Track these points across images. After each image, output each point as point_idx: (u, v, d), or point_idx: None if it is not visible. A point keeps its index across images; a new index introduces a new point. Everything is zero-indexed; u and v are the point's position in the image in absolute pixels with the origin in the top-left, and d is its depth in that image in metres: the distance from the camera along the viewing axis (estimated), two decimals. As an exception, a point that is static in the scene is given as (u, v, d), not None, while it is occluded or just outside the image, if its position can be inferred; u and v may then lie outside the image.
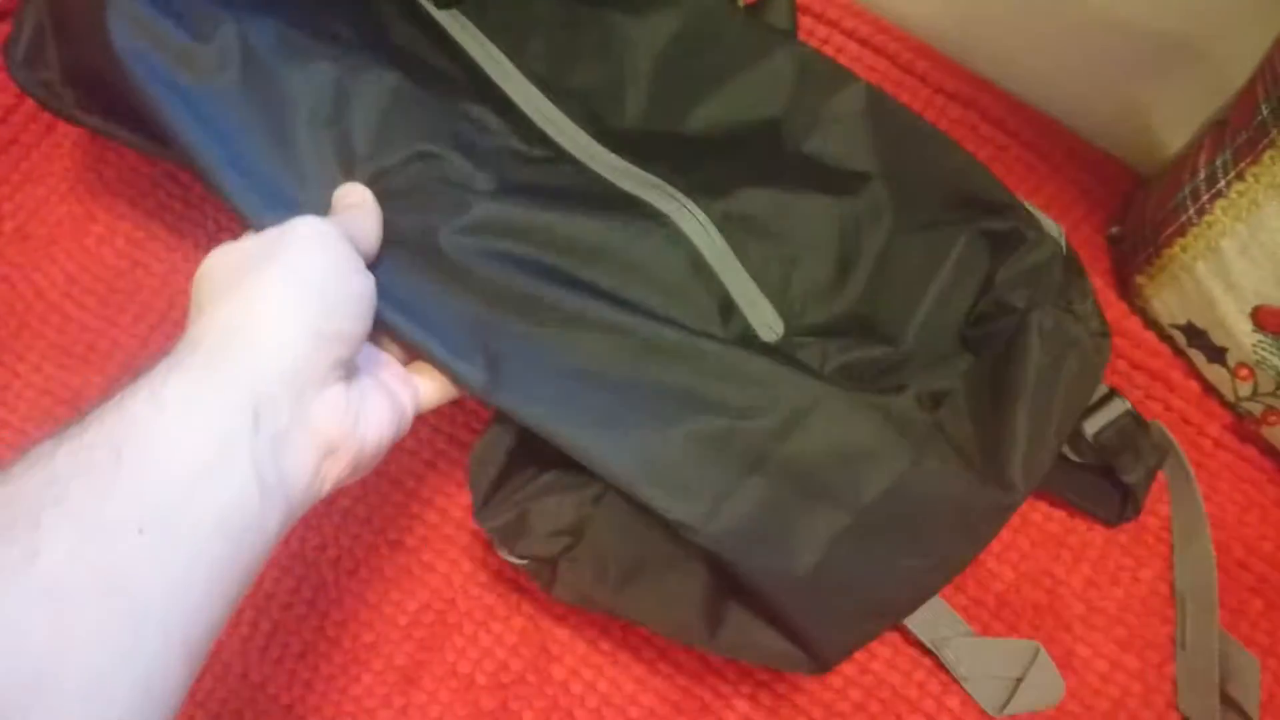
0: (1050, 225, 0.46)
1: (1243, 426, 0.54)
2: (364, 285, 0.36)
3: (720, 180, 0.47)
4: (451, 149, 0.45)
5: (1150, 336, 0.56)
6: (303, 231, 0.35)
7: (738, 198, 0.47)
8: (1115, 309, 0.56)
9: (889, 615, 0.42)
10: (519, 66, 0.49)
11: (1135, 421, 0.49)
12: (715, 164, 0.48)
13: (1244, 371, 0.51)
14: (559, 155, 0.48)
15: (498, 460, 0.41)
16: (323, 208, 0.41)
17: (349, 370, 0.35)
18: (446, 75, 0.48)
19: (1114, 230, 0.58)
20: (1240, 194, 0.48)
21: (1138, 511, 0.50)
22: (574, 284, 0.42)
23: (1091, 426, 0.48)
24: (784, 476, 0.39)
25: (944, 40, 0.62)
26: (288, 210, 0.37)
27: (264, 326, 0.32)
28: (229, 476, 0.29)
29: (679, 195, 0.46)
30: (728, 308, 0.45)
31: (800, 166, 0.47)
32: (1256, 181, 0.47)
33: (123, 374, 0.54)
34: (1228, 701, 0.47)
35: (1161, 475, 0.52)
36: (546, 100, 0.48)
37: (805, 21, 0.62)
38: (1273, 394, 0.50)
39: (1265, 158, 0.46)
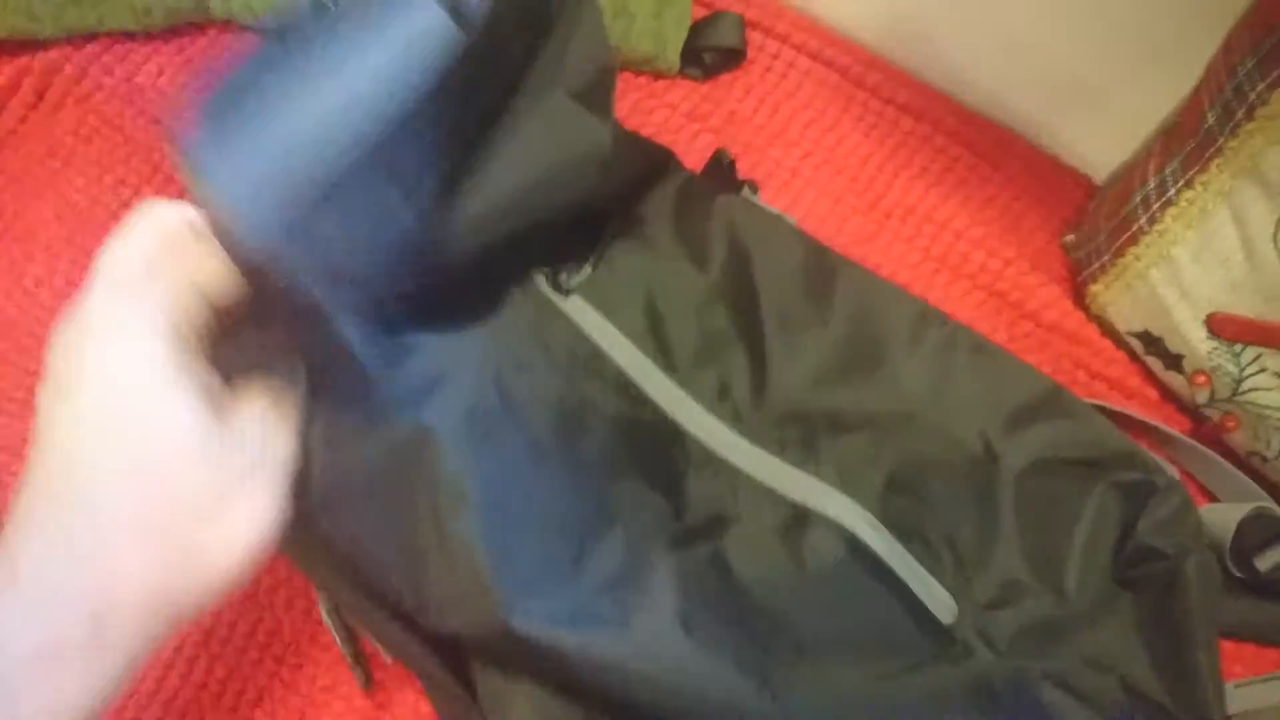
0: (1166, 465, 0.48)
1: (1201, 432, 0.54)
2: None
3: (862, 458, 0.46)
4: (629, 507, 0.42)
5: (1108, 344, 0.56)
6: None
7: (884, 473, 0.46)
8: (1072, 317, 0.56)
9: None
10: (658, 364, 0.46)
11: None
12: (850, 439, 0.46)
13: (1200, 378, 0.51)
14: (720, 466, 0.45)
15: None
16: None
17: None
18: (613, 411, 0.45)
19: (1069, 238, 0.58)
20: (1190, 202, 0.48)
21: None
22: (775, 641, 0.40)
23: (1264, 563, 0.48)
24: None
25: (895, 52, 0.62)
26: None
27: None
28: None
29: (845, 498, 0.45)
30: (915, 607, 0.44)
31: (926, 427, 0.47)
32: (1205, 189, 0.47)
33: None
34: None
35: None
36: (705, 411, 0.46)
37: (755, 37, 0.62)
38: (1229, 400, 0.50)
39: (1212, 166, 0.46)
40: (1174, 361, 0.52)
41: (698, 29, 0.60)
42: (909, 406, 0.47)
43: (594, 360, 0.45)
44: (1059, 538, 0.45)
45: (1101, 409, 0.49)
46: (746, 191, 0.53)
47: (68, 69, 0.58)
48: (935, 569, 0.44)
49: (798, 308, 0.48)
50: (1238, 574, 0.49)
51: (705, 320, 0.47)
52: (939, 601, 0.44)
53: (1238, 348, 0.48)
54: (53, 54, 0.58)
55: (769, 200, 0.58)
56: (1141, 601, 0.45)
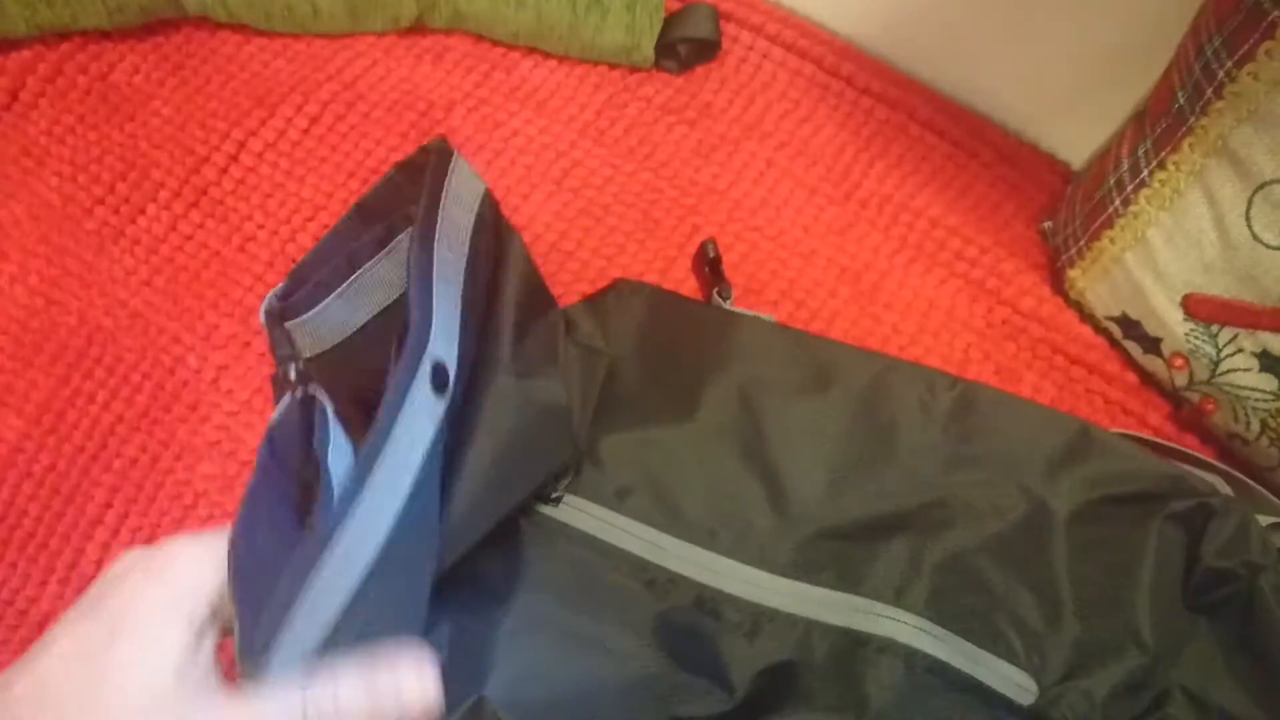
0: (1216, 480, 0.47)
1: (1181, 415, 0.54)
2: None
3: (902, 563, 0.44)
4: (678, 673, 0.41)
5: (1086, 330, 0.56)
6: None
7: (928, 571, 0.44)
8: (1050, 303, 0.56)
9: None
10: (672, 533, 0.44)
11: None
12: (885, 546, 0.44)
13: (1179, 361, 0.51)
14: (759, 613, 0.43)
15: None
16: None
17: None
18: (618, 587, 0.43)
19: (1046, 225, 0.58)
20: (1163, 183, 0.48)
21: None
22: None
23: None
24: None
25: (869, 41, 0.62)
26: None
27: None
28: None
29: (890, 612, 0.43)
30: (993, 698, 0.42)
31: (960, 508, 0.45)
32: (1178, 169, 0.47)
33: (41, 414, 0.52)
34: None
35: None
36: (731, 561, 0.44)
37: (729, 29, 0.62)
38: (1208, 382, 0.50)
39: (1184, 145, 0.46)
40: (1152, 345, 0.52)
41: (672, 21, 0.60)
42: (938, 491, 0.45)
43: (604, 557, 0.43)
44: (1124, 583, 0.44)
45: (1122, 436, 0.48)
46: (717, 299, 0.52)
47: (41, 68, 0.58)
48: (1005, 652, 0.43)
49: (798, 413, 0.46)
50: None
51: (711, 464, 0.45)
52: (1016, 685, 0.42)
53: (1214, 329, 0.48)
54: (26, 54, 0.58)
55: (744, 197, 0.58)
56: (1221, 627, 0.44)
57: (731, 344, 0.48)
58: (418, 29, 0.61)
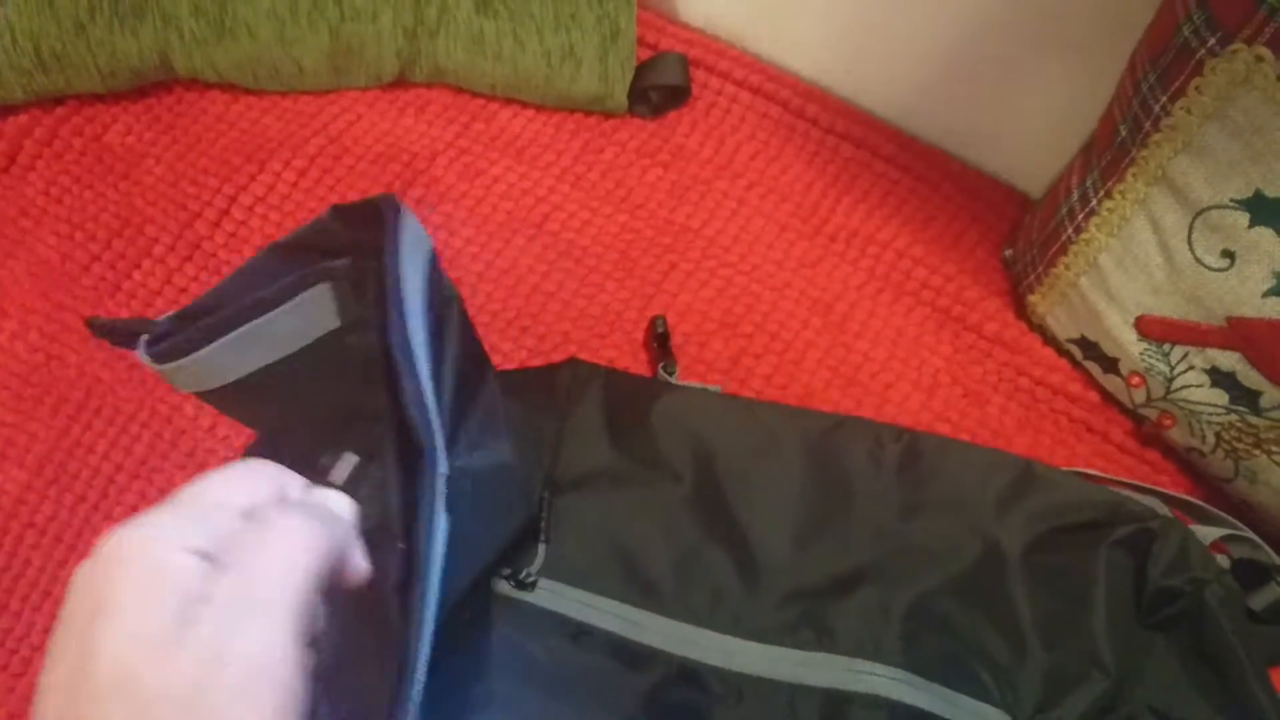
0: (1154, 503, 0.49)
1: (1142, 432, 0.56)
2: None
3: (873, 615, 0.45)
4: None
5: (1049, 352, 0.58)
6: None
7: (897, 620, 0.45)
8: (1013, 328, 0.59)
9: None
10: (645, 607, 0.45)
11: None
12: (854, 599, 0.46)
13: (1135, 379, 0.53)
14: (742, 682, 0.43)
15: None
16: None
17: None
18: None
19: (1007, 252, 0.61)
20: (1110, 210, 0.50)
21: None
22: None
23: (1258, 603, 0.48)
24: None
25: (832, 83, 0.65)
26: None
27: None
28: None
29: (868, 667, 0.44)
30: None
31: (921, 554, 0.46)
32: (1123, 198, 0.50)
33: (43, 465, 0.54)
34: None
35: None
36: (706, 631, 0.44)
37: (699, 75, 0.64)
38: (1164, 399, 0.52)
39: (1128, 175, 0.49)
40: (1110, 365, 0.55)
41: (643, 69, 0.63)
42: (897, 539, 0.46)
43: (584, 639, 0.44)
44: (1081, 610, 0.46)
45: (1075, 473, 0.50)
46: (662, 374, 0.54)
47: (38, 131, 0.60)
48: (978, 690, 0.44)
49: (755, 477, 0.48)
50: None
51: (677, 535, 0.46)
52: None
53: (1166, 348, 0.51)
54: (23, 118, 0.61)
55: (717, 234, 0.60)
56: (1176, 642, 0.46)
57: (683, 418, 0.49)
58: (399, 83, 0.64)
